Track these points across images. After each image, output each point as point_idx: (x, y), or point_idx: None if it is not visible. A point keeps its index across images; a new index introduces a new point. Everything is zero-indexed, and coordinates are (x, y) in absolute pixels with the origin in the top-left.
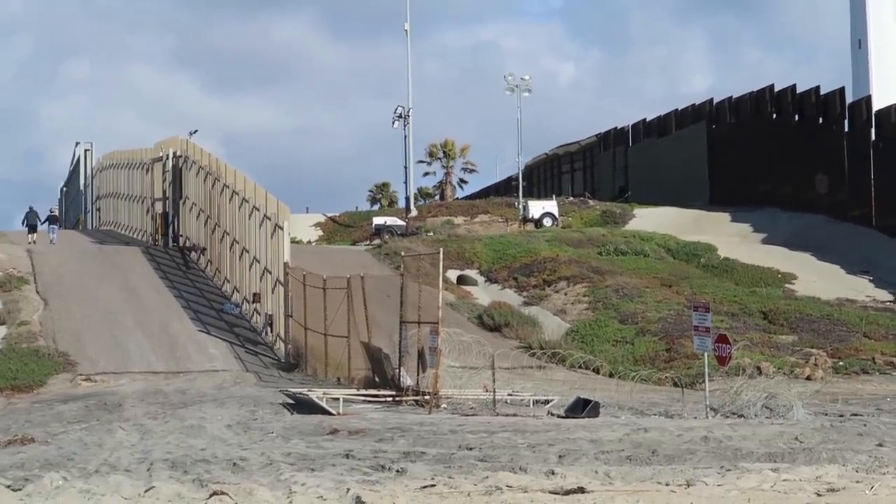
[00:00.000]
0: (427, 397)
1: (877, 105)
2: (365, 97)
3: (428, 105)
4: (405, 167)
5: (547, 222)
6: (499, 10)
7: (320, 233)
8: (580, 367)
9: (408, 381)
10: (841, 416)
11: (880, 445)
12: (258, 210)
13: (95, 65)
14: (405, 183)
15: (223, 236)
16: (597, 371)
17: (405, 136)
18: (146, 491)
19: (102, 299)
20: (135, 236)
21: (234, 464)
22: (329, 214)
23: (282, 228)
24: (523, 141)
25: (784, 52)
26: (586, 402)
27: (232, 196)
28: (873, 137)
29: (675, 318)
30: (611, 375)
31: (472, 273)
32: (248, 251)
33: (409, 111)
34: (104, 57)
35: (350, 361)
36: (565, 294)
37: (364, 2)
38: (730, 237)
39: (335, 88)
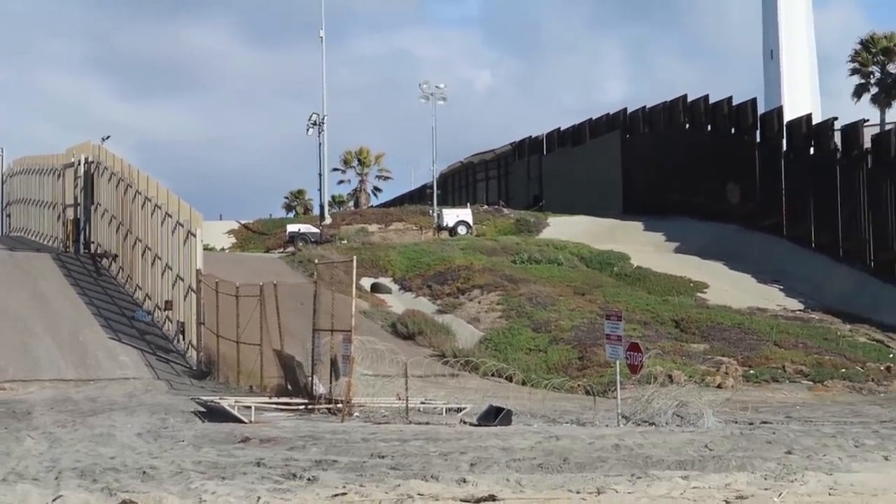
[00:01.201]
0: (340, 405)
1: (788, 115)
2: (281, 104)
3: (344, 112)
4: (320, 175)
5: (461, 230)
6: (415, 17)
7: (234, 240)
8: (493, 375)
9: (320, 389)
10: (751, 423)
11: (789, 453)
12: (171, 217)
13: (5, 70)
14: (319, 190)
15: (135, 243)
16: (510, 379)
17: (320, 144)
18: (54, 500)
19: (12, 306)
20: (46, 243)
21: (144, 472)
22: (243, 222)
23: (194, 235)
24: (439, 149)
25: (698, 63)
26: (499, 410)
27: (144, 203)
28: (785, 148)
29: (588, 327)
30: (524, 383)
31: (386, 281)
32: (160, 258)
33: (323, 119)
34: (15, 62)
35: (262, 369)
36: (479, 302)
37: (280, 9)
38: (643, 246)
39: (251, 95)
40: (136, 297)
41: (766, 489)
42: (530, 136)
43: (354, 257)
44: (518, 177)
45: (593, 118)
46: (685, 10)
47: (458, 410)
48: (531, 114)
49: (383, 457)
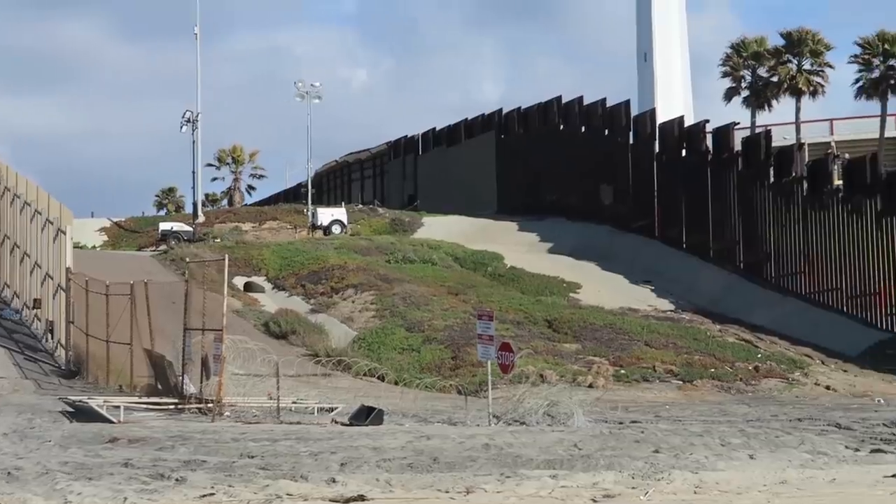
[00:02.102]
0: (210, 405)
1: (661, 118)
2: (155, 101)
3: (219, 110)
4: (193, 172)
5: (336, 230)
6: (292, 15)
7: (106, 238)
8: (366, 374)
9: (191, 388)
10: (620, 423)
11: (656, 452)
12: (40, 214)
13: None
14: (193, 188)
15: (3, 240)
16: (382, 379)
17: (193, 141)
18: None
19: None
20: None
21: (9, 473)
22: (115, 219)
23: (64, 233)
24: (315, 148)
25: (574, 64)
26: (370, 409)
27: (13, 199)
28: (657, 149)
29: (461, 327)
30: (396, 383)
31: (259, 280)
32: (28, 256)
33: (197, 116)
34: None
35: (133, 369)
36: (353, 302)
37: (156, 5)
38: (517, 246)
39: (125, 91)
40: (3, 295)
41: (633, 488)
42: (406, 136)
43: (227, 256)
44: (393, 176)
45: (469, 118)
46: (562, 12)
47: (330, 410)
48: (408, 113)
49: (253, 457)
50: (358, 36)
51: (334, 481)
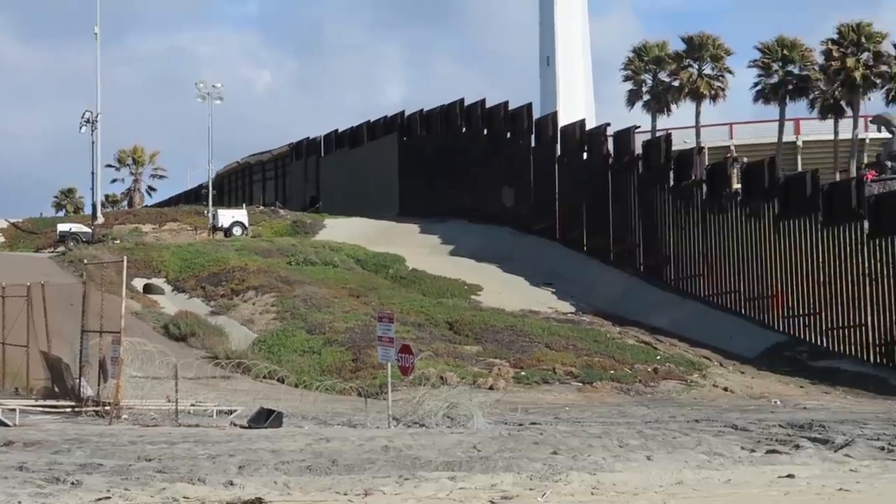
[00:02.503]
0: (108, 408)
1: (563, 121)
2: (55, 101)
3: (119, 111)
4: (92, 173)
5: (236, 231)
6: (194, 16)
7: (2, 239)
8: (266, 377)
9: (88, 391)
10: (520, 424)
11: (555, 453)
12: None
13: None
14: (92, 189)
15: None
16: (282, 381)
17: (93, 142)
18: None
19: None
20: None
21: None
22: (12, 220)
23: None
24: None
25: (478, 67)
26: (269, 412)
27: None
28: (559, 153)
29: (362, 329)
30: (296, 386)
31: (159, 282)
32: None
33: (97, 116)
34: None
35: (29, 371)
36: (253, 304)
37: (56, 4)
38: (419, 248)
39: (23, 90)
40: None
41: (530, 489)
42: (308, 137)
43: (125, 257)
44: (295, 178)
45: (371, 120)
46: (466, 15)
47: (229, 413)
48: (311, 115)
49: (150, 460)
50: (261, 37)
51: (232, 484)
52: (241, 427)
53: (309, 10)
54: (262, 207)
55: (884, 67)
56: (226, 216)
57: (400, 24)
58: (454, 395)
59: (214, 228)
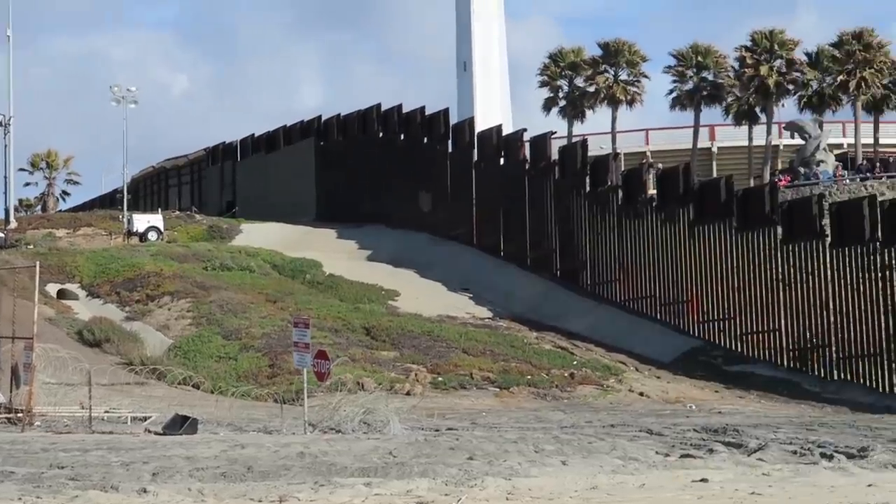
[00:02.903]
0: (20, 415)
1: (480, 126)
2: None
3: (33, 114)
4: (5, 177)
5: (152, 236)
6: (109, 19)
7: None
8: (181, 383)
9: (0, 398)
10: (436, 430)
11: (471, 459)
12: None
13: None
14: (5, 193)
15: None
16: (197, 387)
17: (5, 146)
18: None
19: None
20: None
21: None
22: None
23: None
24: (133, 153)
25: (396, 72)
26: (184, 418)
27: None
28: (476, 158)
29: (279, 334)
30: (212, 392)
31: (73, 287)
32: None
33: (10, 119)
34: None
35: None
36: (169, 309)
37: None
38: (336, 254)
39: None
40: None
41: (446, 495)
42: (225, 142)
43: (38, 262)
44: (212, 183)
45: (288, 125)
46: (383, 20)
47: (144, 419)
48: (228, 119)
49: (63, 467)
50: (178, 40)
51: (145, 491)
52: (156, 434)
53: (226, 14)
54: (177, 212)
55: (796, 74)
56: (141, 221)
57: (317, 28)
58: (371, 400)
59: (129, 233)
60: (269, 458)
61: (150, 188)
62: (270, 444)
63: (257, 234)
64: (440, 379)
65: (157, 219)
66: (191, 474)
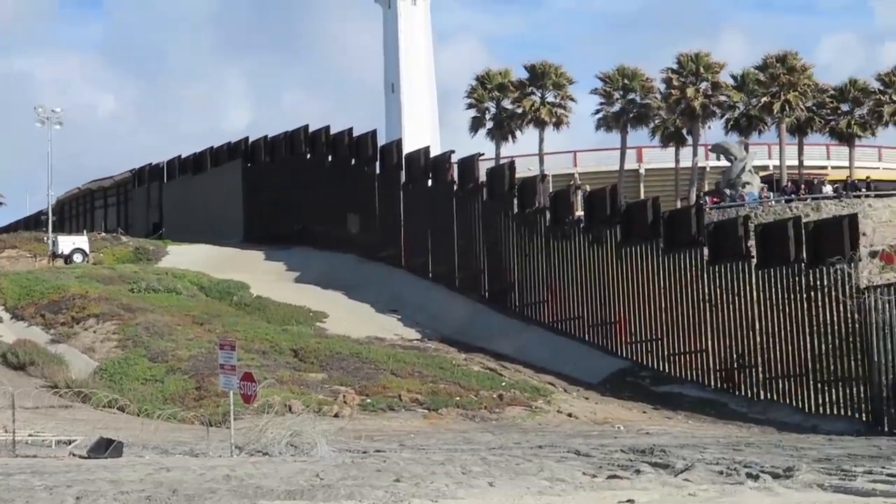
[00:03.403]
0: None
1: (408, 148)
2: None
3: None
4: None
5: (77, 258)
6: (34, 39)
7: None
8: (107, 406)
9: None
10: (364, 452)
11: (398, 481)
12: None
13: None
14: None
15: None
16: (123, 410)
17: None
18: None
19: None
20: None
21: None
22: None
23: None
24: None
25: (323, 93)
26: (109, 441)
27: None
28: (403, 180)
29: (205, 356)
30: (138, 414)
31: None
32: None
33: None
34: None
35: None
36: (95, 332)
37: None
38: (264, 275)
39: None
40: None
41: None
42: (151, 163)
43: None
44: (138, 204)
45: (215, 146)
46: (310, 41)
47: (68, 443)
48: (154, 140)
49: None
50: (104, 62)
51: None
52: (81, 457)
53: (152, 34)
54: (103, 234)
55: (722, 97)
56: (66, 243)
57: (243, 51)
58: (298, 422)
59: (55, 255)
60: (195, 482)
61: (76, 209)
62: (196, 468)
63: (184, 256)
64: (368, 401)
65: (82, 240)
66: (115, 498)
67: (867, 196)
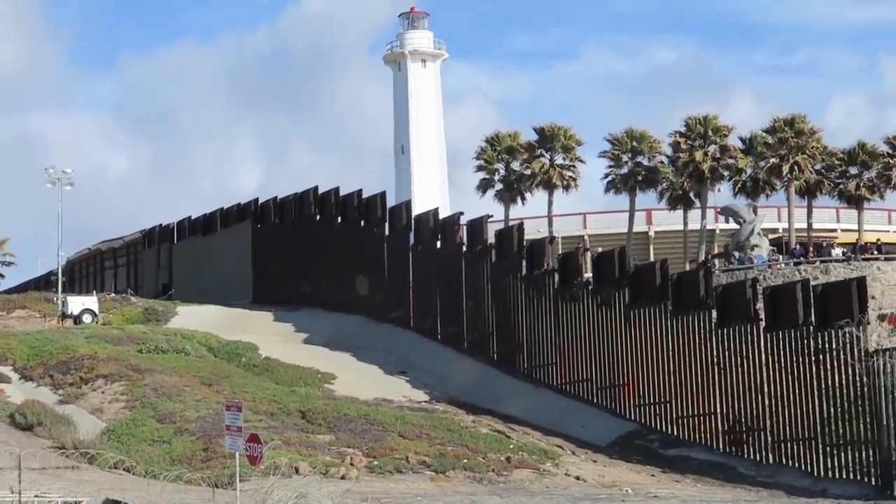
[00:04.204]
0: None
1: (417, 209)
2: None
3: None
4: None
5: (86, 319)
6: (44, 100)
7: None
8: (113, 467)
9: None
10: None
11: None
12: None
13: None
14: None
15: None
16: (129, 471)
17: None
18: None
19: None
20: None
21: None
22: None
23: None
24: (68, 235)
25: (333, 155)
26: (116, 503)
27: None
28: (412, 241)
29: (213, 418)
30: (145, 475)
31: (6, 370)
32: None
33: None
34: None
35: None
36: (103, 392)
37: None
38: (273, 337)
39: None
40: None
41: None
42: (161, 224)
43: None
44: (148, 265)
45: (225, 207)
46: (321, 102)
47: (75, 503)
48: (164, 201)
49: None
50: (115, 122)
51: None
52: None
53: (162, 94)
54: (113, 294)
55: (730, 160)
56: (76, 303)
57: (253, 111)
58: (304, 484)
59: (64, 316)
60: None
61: (86, 270)
62: None
63: (193, 317)
64: (376, 463)
65: (91, 301)
66: None
67: (876, 259)
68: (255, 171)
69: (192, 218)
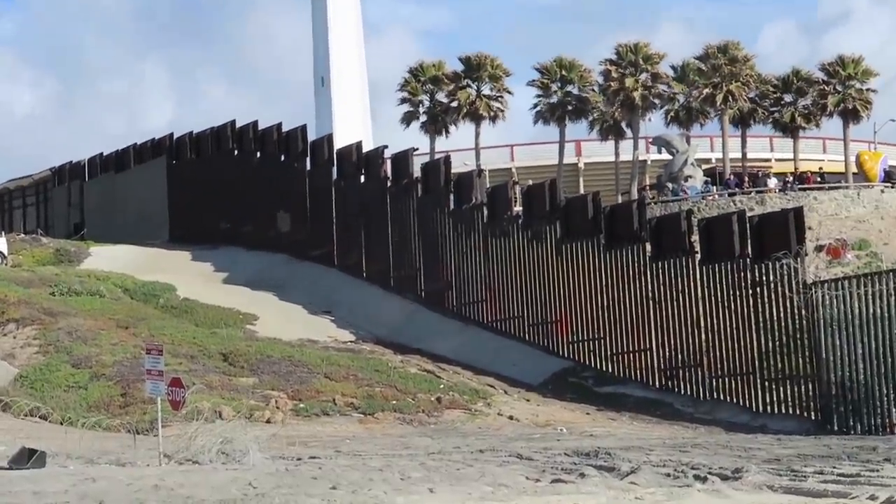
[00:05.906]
0: None
1: (340, 143)
2: None
3: None
4: None
5: None
6: None
7: None
8: (28, 414)
9: None
10: (298, 459)
11: (334, 488)
12: None
13: None
14: None
15: None
16: (45, 418)
17: None
18: None
19: None
20: None
21: None
22: None
23: None
24: None
25: (250, 88)
26: (32, 451)
27: None
28: (335, 176)
29: (131, 362)
30: (61, 423)
31: None
32: None
33: None
34: None
35: None
36: (14, 337)
37: None
38: (191, 276)
39: None
40: None
41: None
42: (71, 162)
43: None
44: (58, 204)
45: (138, 143)
46: (235, 36)
47: None
48: (74, 138)
49: None
50: (18, 57)
51: None
52: (1, 468)
53: (68, 29)
54: (22, 235)
55: (662, 88)
56: None
57: (165, 45)
58: (229, 429)
59: None
60: (122, 492)
61: None
62: (123, 477)
63: (107, 257)
64: (302, 406)
65: (0, 242)
66: None
67: (812, 189)
68: (168, 108)
69: (105, 154)
